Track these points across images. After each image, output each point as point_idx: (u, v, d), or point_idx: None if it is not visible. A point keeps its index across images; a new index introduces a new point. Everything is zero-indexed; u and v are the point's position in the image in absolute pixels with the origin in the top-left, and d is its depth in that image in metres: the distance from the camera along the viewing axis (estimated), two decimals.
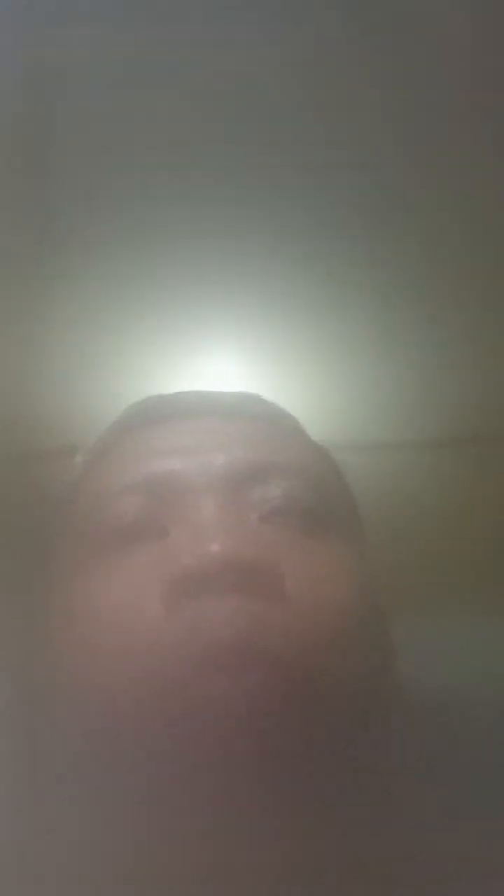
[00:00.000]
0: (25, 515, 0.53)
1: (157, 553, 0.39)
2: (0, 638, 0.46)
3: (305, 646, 0.36)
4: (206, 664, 0.35)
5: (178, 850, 0.36)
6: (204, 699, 0.34)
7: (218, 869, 0.36)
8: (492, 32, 0.69)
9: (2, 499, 0.58)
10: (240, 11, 0.69)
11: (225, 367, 0.75)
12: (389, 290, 0.75)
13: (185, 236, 0.74)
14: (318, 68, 0.70)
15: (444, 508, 0.66)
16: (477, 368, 0.73)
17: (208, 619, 0.36)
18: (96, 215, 0.74)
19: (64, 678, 0.39)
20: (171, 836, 0.36)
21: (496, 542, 0.67)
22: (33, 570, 0.48)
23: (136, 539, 0.41)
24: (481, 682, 0.53)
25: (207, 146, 0.73)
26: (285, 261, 0.75)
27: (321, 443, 0.50)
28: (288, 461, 0.44)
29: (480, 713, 0.49)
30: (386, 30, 0.70)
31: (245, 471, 0.42)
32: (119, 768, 0.36)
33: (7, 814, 0.40)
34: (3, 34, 0.68)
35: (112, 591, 0.39)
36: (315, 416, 0.51)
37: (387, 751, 0.39)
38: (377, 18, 0.69)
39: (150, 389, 0.58)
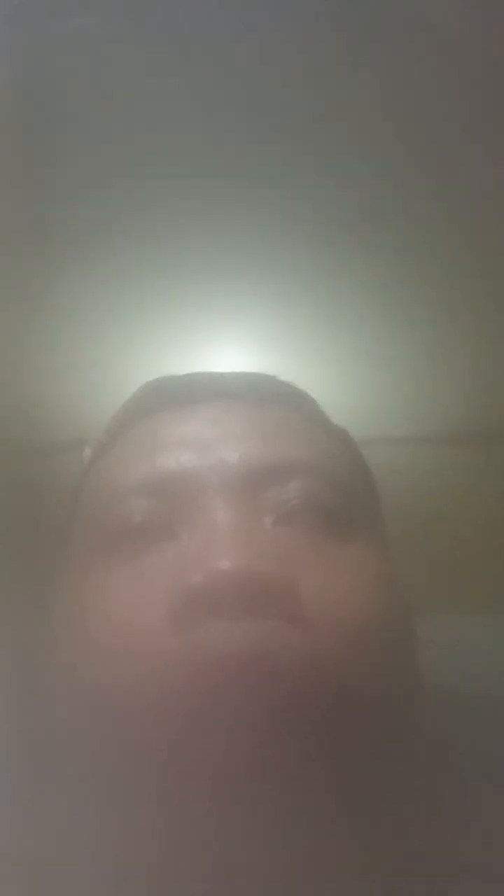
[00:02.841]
0: (34, 509, 0.52)
1: (165, 561, 0.37)
2: (8, 636, 0.45)
3: (324, 665, 0.34)
4: (217, 684, 0.33)
5: (187, 870, 0.35)
6: (213, 719, 0.33)
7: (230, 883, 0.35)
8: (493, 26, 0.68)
9: (11, 493, 0.57)
10: (239, 8, 0.68)
11: (233, 357, 0.74)
12: (403, 277, 0.74)
13: (190, 224, 0.73)
14: (319, 57, 0.69)
15: (466, 505, 0.65)
16: (495, 362, 0.72)
17: (218, 642, 0.33)
18: (99, 204, 0.73)
19: (67, 684, 0.38)
20: (176, 858, 0.35)
21: None
22: (41, 566, 0.47)
23: (144, 542, 0.38)
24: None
25: (211, 132, 0.72)
26: (292, 248, 0.74)
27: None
28: (308, 456, 0.41)
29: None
30: (388, 21, 0.69)
31: (261, 469, 0.39)
32: (119, 781, 0.35)
33: (9, 816, 0.39)
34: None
35: (118, 599, 0.37)
36: (326, 409, 0.49)
37: (411, 755, 0.38)
38: (378, 12, 0.69)
39: None
